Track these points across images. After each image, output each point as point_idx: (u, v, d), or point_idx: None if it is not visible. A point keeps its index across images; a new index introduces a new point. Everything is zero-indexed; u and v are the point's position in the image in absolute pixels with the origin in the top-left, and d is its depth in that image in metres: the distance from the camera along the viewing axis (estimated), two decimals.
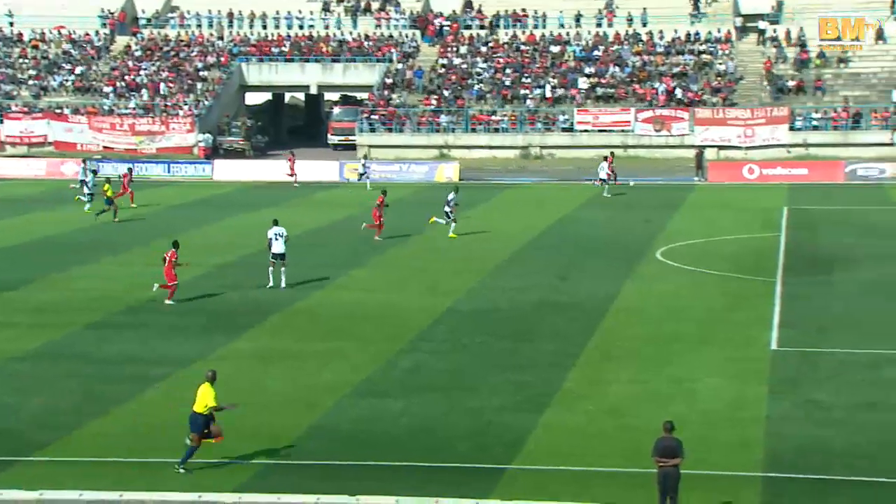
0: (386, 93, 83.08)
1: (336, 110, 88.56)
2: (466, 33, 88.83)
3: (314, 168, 71.40)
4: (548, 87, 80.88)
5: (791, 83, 79.25)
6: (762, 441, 23.40)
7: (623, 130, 77.39)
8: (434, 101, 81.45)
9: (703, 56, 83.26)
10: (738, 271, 40.28)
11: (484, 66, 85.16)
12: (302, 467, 22.58)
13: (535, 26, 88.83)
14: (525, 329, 32.96)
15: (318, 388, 27.53)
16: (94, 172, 59.81)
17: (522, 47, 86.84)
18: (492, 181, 68.74)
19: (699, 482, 20.78)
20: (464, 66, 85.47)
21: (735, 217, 52.13)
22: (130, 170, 62.20)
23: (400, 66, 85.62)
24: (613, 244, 46.19)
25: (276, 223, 38.92)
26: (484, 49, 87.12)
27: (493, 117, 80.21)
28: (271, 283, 37.97)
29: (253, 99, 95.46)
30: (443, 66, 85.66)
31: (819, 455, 22.57)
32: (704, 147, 71.62)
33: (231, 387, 27.71)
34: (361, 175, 65.98)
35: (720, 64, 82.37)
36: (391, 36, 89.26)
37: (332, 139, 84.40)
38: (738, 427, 24.32)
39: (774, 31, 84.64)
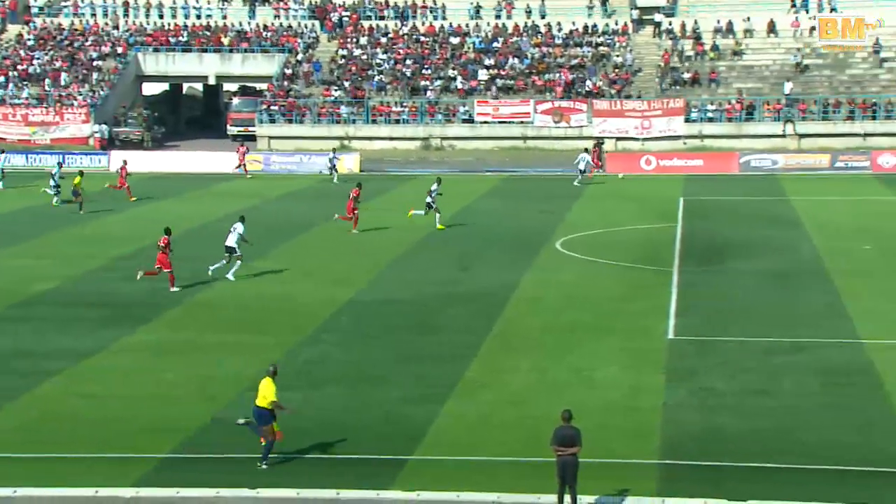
0: (286, 84, 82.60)
1: (235, 101, 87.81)
2: (366, 24, 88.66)
3: (213, 159, 70.74)
4: (458, 79, 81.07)
5: (687, 75, 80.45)
6: (659, 429, 23.77)
7: (523, 122, 77.92)
8: (334, 92, 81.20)
9: (601, 48, 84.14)
10: (635, 261, 40.82)
11: (384, 57, 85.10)
12: (202, 460, 22.43)
13: (435, 17, 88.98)
14: (427, 320, 33.07)
15: (219, 381, 27.34)
16: (60, 165, 58.53)
17: (422, 38, 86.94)
18: (393, 172, 68.76)
19: (598, 470, 21.05)
20: (364, 57, 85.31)
21: (633, 208, 52.80)
22: (126, 162, 60.48)
23: (300, 57, 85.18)
24: (514, 235, 46.51)
25: (243, 220, 38.77)
26: (384, 40, 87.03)
27: (394, 108, 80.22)
28: (215, 266, 37.96)
29: (150, 89, 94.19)
30: (343, 57, 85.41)
31: (714, 442, 23.00)
32: (603, 138, 72.41)
33: (130, 380, 27.47)
34: (332, 168, 64.90)
35: (617, 56, 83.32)
36: (290, 27, 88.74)
37: (232, 130, 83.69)
38: (636, 415, 24.68)
39: (670, 23, 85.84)
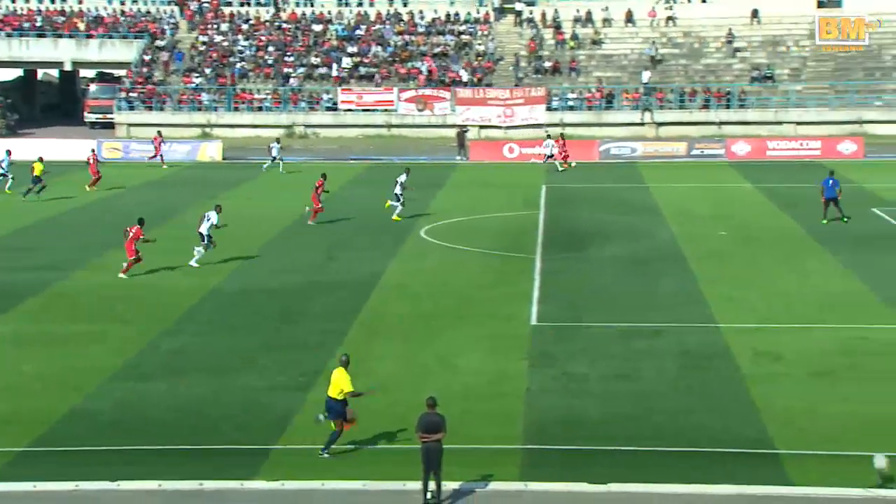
0: (145, 70, 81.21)
1: (92, 88, 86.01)
2: (227, 10, 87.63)
3: (68, 147, 69.11)
4: (335, 67, 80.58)
5: (548, 64, 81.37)
6: (522, 414, 24.07)
7: (386, 110, 77.95)
8: (195, 79, 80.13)
9: (463, 37, 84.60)
10: (499, 248, 41.20)
11: (246, 44, 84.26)
12: (61, 453, 22.01)
13: (298, 4, 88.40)
14: (292, 308, 32.92)
15: (79, 372, 26.84)
16: (9, 153, 55.96)
17: (284, 25, 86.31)
18: (256, 160, 68.12)
19: (462, 456, 21.24)
20: (225, 44, 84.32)
21: (496, 195, 53.23)
22: (94, 151, 58.96)
23: (159, 42, 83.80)
24: (379, 223, 46.51)
25: (218, 209, 38.93)
26: (246, 27, 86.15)
27: (257, 96, 79.50)
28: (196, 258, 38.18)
29: (3, 75, 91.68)
30: (203, 43, 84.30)
31: (576, 426, 23.38)
32: (466, 126, 72.84)
33: None
34: (274, 158, 62.18)
35: (479, 45, 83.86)
36: (149, 12, 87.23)
37: (90, 117, 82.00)
38: (500, 401, 24.94)
39: (531, 12, 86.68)
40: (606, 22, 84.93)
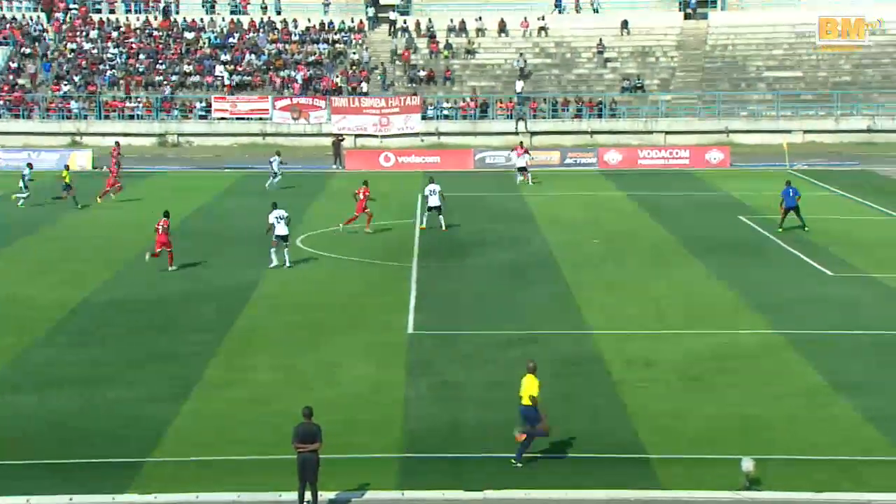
0: (11, 77, 79.43)
1: None
2: (96, 17, 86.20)
3: None
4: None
5: (423, 73, 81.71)
6: (400, 422, 24.15)
7: (261, 118, 77.45)
8: (64, 87, 78.63)
9: (338, 45, 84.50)
10: (376, 257, 41.24)
11: (116, 51, 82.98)
12: None
13: (168, 12, 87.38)
14: (166, 319, 32.52)
15: None
16: (30, 166, 53.63)
17: (155, 33, 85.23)
18: (128, 169, 67.06)
19: (340, 466, 21.24)
20: (94, 51, 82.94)
21: (373, 204, 53.18)
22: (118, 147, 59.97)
23: (26, 50, 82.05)
24: (254, 232, 46.16)
25: (275, 206, 39.74)
26: (115, 34, 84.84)
27: (128, 104, 78.34)
28: (275, 263, 38.94)
29: None
30: (72, 51, 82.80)
31: (453, 434, 23.52)
32: (342, 135, 72.73)
33: None
34: (276, 174, 58.42)
35: (354, 53, 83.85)
36: (14, 18, 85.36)
37: None
38: (378, 410, 24.98)
39: (405, 21, 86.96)
40: (480, 32, 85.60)
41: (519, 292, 35.94)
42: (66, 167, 54.33)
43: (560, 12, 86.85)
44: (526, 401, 21.98)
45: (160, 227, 38.94)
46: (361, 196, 45.83)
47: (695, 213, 50.75)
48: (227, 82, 79.72)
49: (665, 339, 30.65)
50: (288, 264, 39.05)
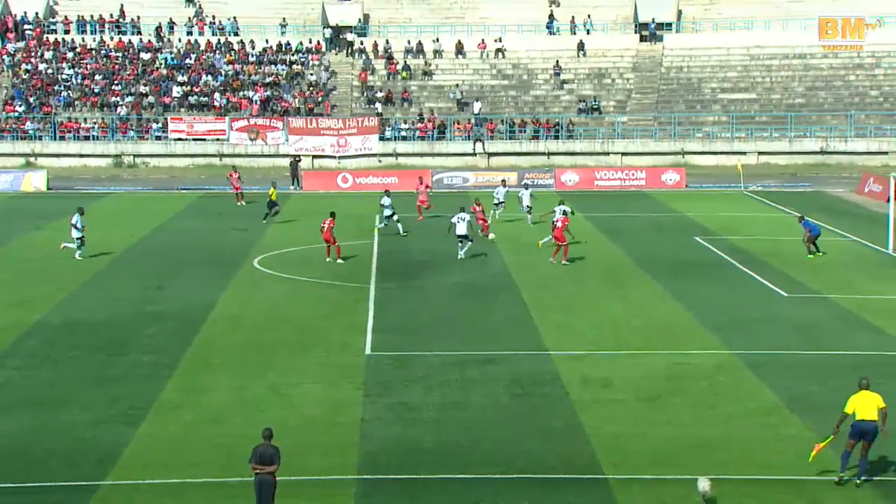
0: None
1: None
2: (52, 38, 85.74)
3: None
4: (150, 96, 79.34)
5: (380, 94, 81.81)
6: (357, 444, 24.06)
7: (218, 139, 77.25)
8: (18, 108, 78.08)
9: (295, 66, 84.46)
10: (334, 278, 41.16)
11: (71, 72, 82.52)
12: None
13: (124, 32, 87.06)
14: (120, 340, 32.27)
15: None
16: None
17: (112, 54, 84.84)
18: (84, 190, 66.71)
19: (296, 488, 21.13)
20: (49, 71, 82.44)
21: (309, 225, 53.06)
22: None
23: None
24: (211, 253, 46.03)
25: (462, 210, 44.47)
26: (71, 55, 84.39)
27: (83, 125, 77.88)
28: (461, 256, 43.99)
29: None
30: (27, 71, 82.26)
31: (410, 455, 23.46)
32: (299, 156, 72.63)
33: None
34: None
35: (311, 74, 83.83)
36: None
37: None
38: (335, 431, 24.88)
39: (362, 43, 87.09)
40: (437, 53, 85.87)
41: (477, 313, 35.95)
42: (273, 184, 56.05)
43: (551, 33, 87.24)
44: (872, 416, 21.67)
45: (325, 226, 43.37)
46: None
47: (651, 234, 51.01)
48: (183, 103, 79.40)
49: (622, 359, 30.75)
50: (461, 256, 44.12)
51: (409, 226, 52.78)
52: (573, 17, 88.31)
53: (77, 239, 44.25)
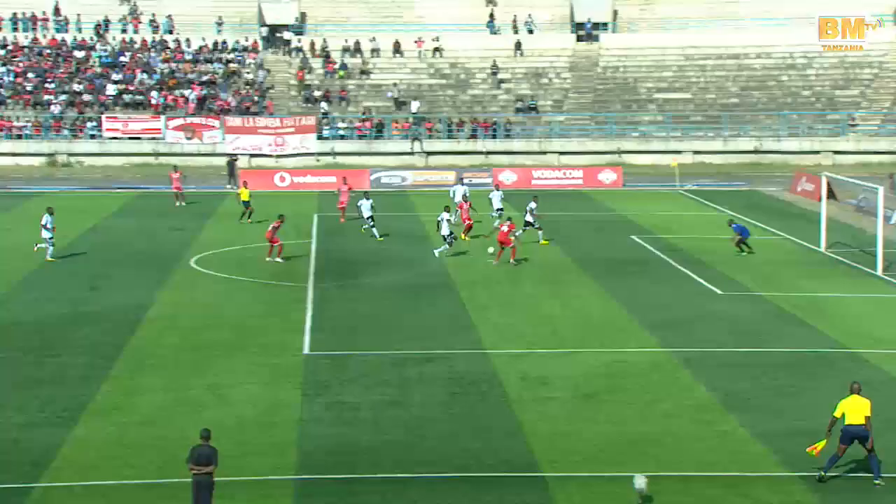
0: None
1: None
2: None
3: None
4: (85, 94, 78.53)
5: (318, 93, 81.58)
6: (295, 444, 24.00)
7: (154, 138, 76.61)
8: None
9: (231, 65, 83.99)
10: (271, 278, 41.01)
11: (3, 70, 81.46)
12: None
13: (58, 30, 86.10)
14: (53, 342, 31.93)
15: None
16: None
17: (45, 52, 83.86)
18: (16, 190, 65.87)
19: (234, 489, 21.04)
20: None
21: (268, 224, 52.86)
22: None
23: None
24: (146, 253, 45.67)
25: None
26: (2, 52, 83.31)
27: (16, 123, 76.89)
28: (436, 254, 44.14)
29: None
30: None
31: (348, 454, 23.45)
32: (236, 155, 72.22)
33: None
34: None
35: (248, 73, 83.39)
36: None
37: None
38: (272, 431, 24.80)
39: (299, 41, 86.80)
40: (375, 52, 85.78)
41: (415, 312, 35.99)
42: (245, 183, 56.26)
43: (493, 33, 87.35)
44: (860, 420, 21.73)
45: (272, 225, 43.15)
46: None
47: (588, 233, 51.34)
48: (118, 101, 78.64)
49: (559, 357, 30.93)
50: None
51: (334, 228, 52.73)
52: (515, 17, 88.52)
53: (48, 239, 43.76)
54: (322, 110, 79.49)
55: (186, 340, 32.34)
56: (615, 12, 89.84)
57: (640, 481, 20.69)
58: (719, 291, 39.03)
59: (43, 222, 43.86)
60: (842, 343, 32.27)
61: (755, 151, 78.52)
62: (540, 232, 48.26)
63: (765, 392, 27.80)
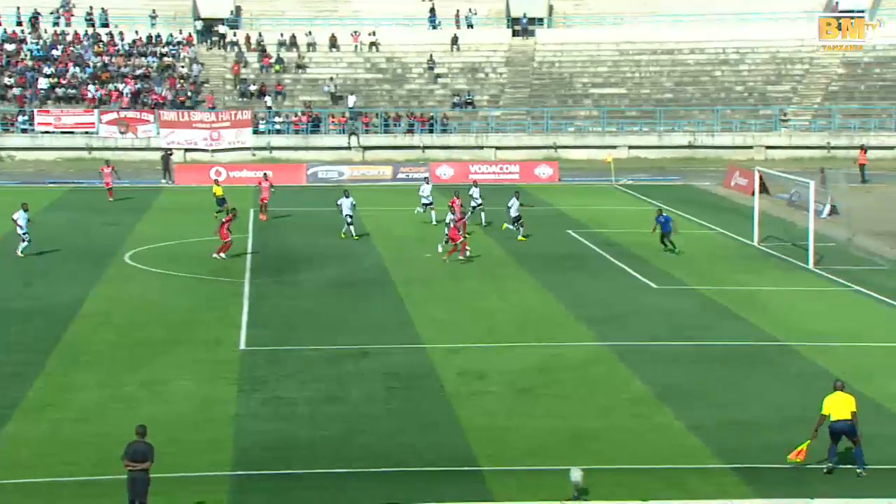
0: None
1: None
2: None
3: None
4: (15, 87, 77.47)
5: (254, 87, 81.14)
6: (231, 440, 23.90)
7: (87, 132, 75.79)
8: None
9: (166, 59, 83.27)
10: (207, 273, 40.76)
11: None
12: None
13: None
14: None
15: None
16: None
17: None
18: None
19: (170, 485, 20.90)
20: None
21: (203, 219, 52.52)
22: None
23: None
24: (80, 248, 45.20)
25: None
26: None
27: None
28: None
29: None
30: None
31: (285, 450, 23.38)
32: (171, 150, 71.64)
33: None
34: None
35: (183, 67, 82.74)
36: None
37: None
38: (208, 427, 24.68)
39: (234, 34, 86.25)
40: (311, 46, 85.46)
41: (352, 307, 35.94)
42: (216, 182, 55.46)
43: (433, 27, 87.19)
44: (846, 415, 21.96)
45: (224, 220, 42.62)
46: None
47: (526, 228, 51.50)
48: (50, 95, 77.69)
49: (497, 351, 31.05)
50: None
51: (271, 223, 52.53)
52: (458, 11, 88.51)
53: (23, 235, 43.09)
54: (266, 104, 79.07)
55: (121, 336, 32.08)
56: (550, 7, 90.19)
57: (576, 474, 20.82)
58: (654, 285, 39.38)
59: (14, 217, 43.36)
60: (775, 336, 32.69)
61: (689, 146, 79.23)
62: (521, 229, 48.10)
63: (700, 385, 28.09)
